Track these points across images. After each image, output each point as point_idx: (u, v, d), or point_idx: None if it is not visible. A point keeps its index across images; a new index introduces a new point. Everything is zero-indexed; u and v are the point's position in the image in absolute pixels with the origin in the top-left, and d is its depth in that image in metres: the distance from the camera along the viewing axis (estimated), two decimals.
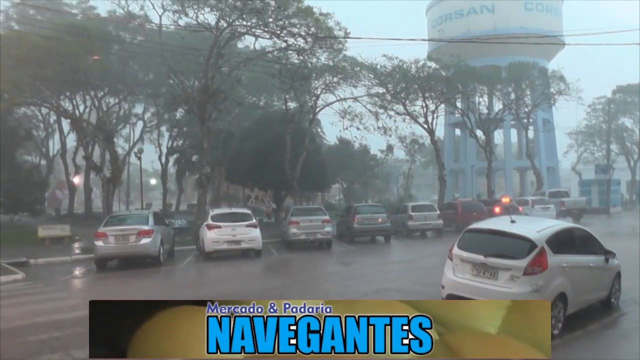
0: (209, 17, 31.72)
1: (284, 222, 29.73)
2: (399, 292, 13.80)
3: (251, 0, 30.23)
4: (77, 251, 26.93)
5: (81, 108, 46.96)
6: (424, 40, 69.15)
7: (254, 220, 24.25)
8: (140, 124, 60.50)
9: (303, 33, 32.28)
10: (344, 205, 51.25)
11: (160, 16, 31.52)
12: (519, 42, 49.15)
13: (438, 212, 33.57)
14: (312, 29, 32.19)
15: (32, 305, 14.21)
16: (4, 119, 40.02)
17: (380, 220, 30.17)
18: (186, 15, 31.48)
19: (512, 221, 10.76)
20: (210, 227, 23.28)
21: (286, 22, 31.54)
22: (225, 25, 31.62)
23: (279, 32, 32.06)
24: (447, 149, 73.77)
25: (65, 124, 53.82)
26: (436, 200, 47.33)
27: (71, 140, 58.29)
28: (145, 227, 21.39)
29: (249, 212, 26.12)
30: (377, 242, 30.33)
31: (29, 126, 55.67)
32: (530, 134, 61.46)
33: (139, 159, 47.14)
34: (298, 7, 31.01)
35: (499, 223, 11.22)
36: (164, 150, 60.09)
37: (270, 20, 31.54)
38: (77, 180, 60.29)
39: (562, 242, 10.48)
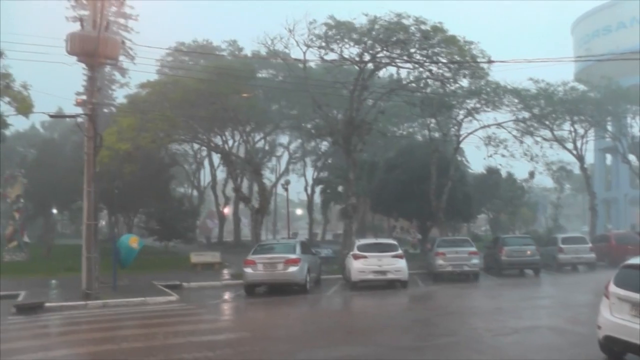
0: (353, 50, 32.19)
1: (430, 253, 29.22)
2: (551, 331, 12.91)
3: (396, 32, 30.39)
4: (226, 277, 27.91)
5: (230, 142, 48.91)
6: (570, 59, 65.75)
7: (400, 251, 23.95)
8: (286, 156, 62.27)
9: (446, 61, 31.89)
10: (490, 236, 49.64)
11: (305, 52, 32.29)
12: None
13: (590, 244, 31.67)
14: (456, 56, 31.78)
15: (186, 326, 14.77)
16: (158, 153, 42.53)
17: (529, 252, 28.94)
18: (331, 50, 32.07)
19: None
20: (356, 257, 23.22)
21: (430, 51, 31.34)
22: (368, 57, 31.93)
23: (422, 61, 31.88)
24: (598, 176, 69.43)
25: (216, 158, 56.51)
26: (587, 231, 44.84)
27: (221, 172, 61.00)
28: (293, 256, 21.69)
29: (395, 242, 25.87)
30: (525, 275, 29.05)
31: (182, 160, 59.08)
32: None
33: (286, 190, 48.39)
34: (442, 36, 30.78)
35: None
36: (310, 181, 61.53)
37: (414, 50, 31.48)
38: (226, 210, 63.01)
39: None
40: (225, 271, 30.32)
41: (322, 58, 32.52)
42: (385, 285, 23.10)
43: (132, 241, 23.60)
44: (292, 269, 21.20)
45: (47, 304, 18.71)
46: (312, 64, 34.22)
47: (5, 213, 46.77)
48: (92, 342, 12.86)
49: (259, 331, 13.67)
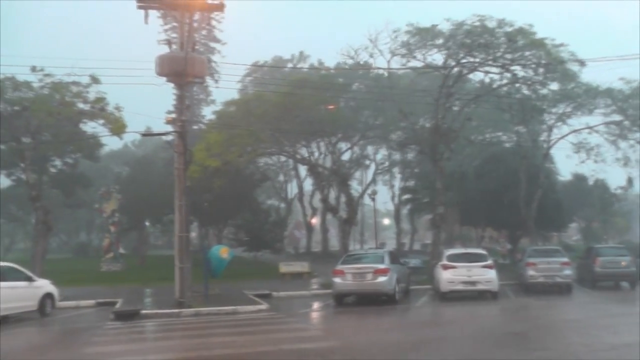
0: (437, 57, 31.94)
1: (520, 264, 28.34)
2: None
3: (480, 36, 29.97)
4: (315, 286, 28.07)
5: (316, 154, 49.26)
6: None
7: (490, 261, 23.37)
8: (372, 166, 62.21)
9: (533, 65, 31.13)
10: (581, 246, 47.98)
11: (389, 61, 32.26)
12: None
13: None
14: (543, 60, 30.99)
15: (276, 334, 14.99)
16: (245, 167, 43.31)
17: (624, 263, 27.34)
18: (414, 58, 31.90)
19: None
20: (445, 267, 22.83)
21: (516, 54, 30.68)
22: (453, 63, 31.60)
23: (508, 65, 31.26)
24: None
25: (302, 170, 57.11)
26: None
27: (308, 184, 61.55)
28: (381, 266, 21.52)
29: (485, 252, 25.32)
30: (621, 288, 27.55)
31: (269, 173, 59.99)
32: None
33: (373, 200, 48.30)
34: (529, 40, 30.11)
35: None
36: (397, 191, 61.24)
37: (499, 54, 30.93)
38: (314, 220, 63.50)
39: None
40: (314, 281, 30.55)
41: (405, 66, 32.47)
42: (475, 297, 22.57)
43: (223, 252, 24.16)
44: (381, 279, 21.04)
45: (143, 312, 19.46)
46: (397, 72, 34.20)
47: (102, 227, 49.15)
48: (186, 348, 13.27)
49: (349, 341, 13.67)
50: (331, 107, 36.89)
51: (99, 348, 13.40)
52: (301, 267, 33.26)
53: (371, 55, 34.22)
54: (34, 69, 29.03)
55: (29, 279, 19.79)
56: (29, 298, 19.41)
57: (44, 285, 20.43)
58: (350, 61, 38.03)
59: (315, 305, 22.32)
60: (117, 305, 21.10)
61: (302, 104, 34.15)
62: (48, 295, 20.23)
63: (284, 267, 32.83)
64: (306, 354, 11.59)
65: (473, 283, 22.38)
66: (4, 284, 18.45)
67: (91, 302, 23.22)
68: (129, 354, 12.61)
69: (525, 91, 34.91)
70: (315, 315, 20.46)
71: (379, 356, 11.47)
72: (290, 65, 53.52)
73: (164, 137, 25.74)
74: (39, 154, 35.02)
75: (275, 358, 11.13)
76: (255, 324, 16.94)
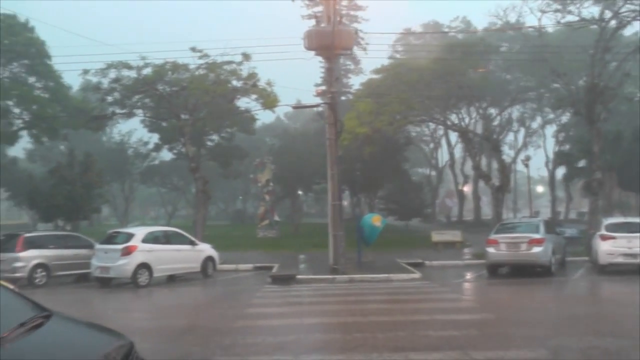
0: (592, 9, 30.08)
1: None
2: None
3: None
4: (467, 256, 27.80)
5: (467, 120, 48.27)
6: None
7: None
8: (522, 131, 60.23)
9: None
10: None
11: (539, 19, 30.88)
12: None
13: None
14: None
15: (429, 303, 14.99)
16: (394, 136, 43.27)
17: None
18: (568, 12, 30.27)
19: None
20: (604, 238, 21.39)
21: None
22: (610, 14, 29.58)
23: None
24: None
25: (453, 136, 56.31)
26: None
27: (458, 151, 60.61)
28: (537, 236, 20.88)
29: None
30: None
31: (419, 140, 59.64)
32: None
33: (526, 166, 46.84)
34: None
35: None
36: (551, 156, 58.80)
37: None
38: (466, 188, 62.56)
39: None
40: (466, 250, 30.21)
41: (558, 22, 30.94)
42: (636, 270, 20.84)
43: (375, 220, 24.48)
44: (536, 249, 20.42)
45: (298, 276, 20.38)
46: (549, 30, 32.68)
47: (257, 195, 51.51)
48: (340, 313, 13.63)
49: (503, 314, 13.37)
50: (481, 69, 35.91)
51: (259, 309, 14.22)
52: (453, 236, 33.01)
53: (520, 15, 33.01)
54: (192, 50, 30.74)
55: (192, 243, 21.48)
56: (192, 260, 21.20)
57: (206, 249, 22.10)
58: (499, 22, 36.98)
59: (468, 275, 22.13)
60: (274, 270, 22.21)
61: (451, 69, 33.54)
62: (209, 258, 21.91)
63: (436, 236, 32.71)
64: (460, 324, 11.44)
65: (634, 256, 20.69)
66: (170, 246, 20.47)
67: (249, 266, 24.62)
68: (288, 316, 13.24)
69: None
70: (468, 285, 20.21)
71: (535, 331, 11.04)
72: (445, 29, 52.68)
73: (314, 109, 26.42)
74: (197, 129, 37.15)
75: (430, 328, 11.08)
76: (409, 293, 17.08)
